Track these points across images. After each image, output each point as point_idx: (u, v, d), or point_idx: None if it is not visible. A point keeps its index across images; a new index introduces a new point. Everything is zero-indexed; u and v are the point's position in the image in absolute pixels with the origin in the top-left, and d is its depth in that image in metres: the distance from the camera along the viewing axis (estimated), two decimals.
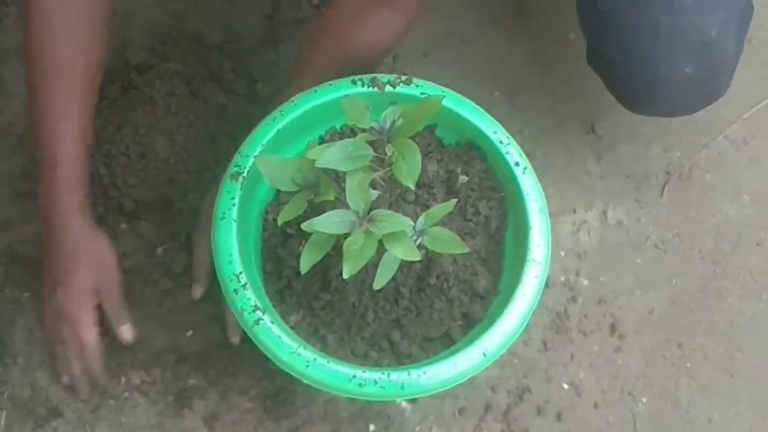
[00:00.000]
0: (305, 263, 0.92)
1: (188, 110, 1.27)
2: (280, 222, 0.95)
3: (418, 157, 0.87)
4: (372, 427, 1.16)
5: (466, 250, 0.93)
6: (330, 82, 1.08)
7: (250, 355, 1.15)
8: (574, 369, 1.22)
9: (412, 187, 0.87)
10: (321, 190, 0.93)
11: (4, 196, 1.26)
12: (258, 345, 0.97)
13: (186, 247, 1.21)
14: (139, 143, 1.23)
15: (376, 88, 1.07)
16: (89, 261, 1.10)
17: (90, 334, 1.10)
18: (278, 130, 1.06)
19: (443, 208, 0.94)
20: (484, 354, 0.98)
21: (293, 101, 1.07)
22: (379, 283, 0.92)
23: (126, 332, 1.13)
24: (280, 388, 1.16)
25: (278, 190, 1.06)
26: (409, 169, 0.86)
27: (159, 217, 1.24)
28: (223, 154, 1.19)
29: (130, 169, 1.23)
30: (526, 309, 1.00)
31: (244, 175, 1.03)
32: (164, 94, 1.28)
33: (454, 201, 0.95)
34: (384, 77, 1.08)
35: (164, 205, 1.24)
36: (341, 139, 1.08)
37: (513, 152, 1.07)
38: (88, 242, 1.11)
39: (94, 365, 1.12)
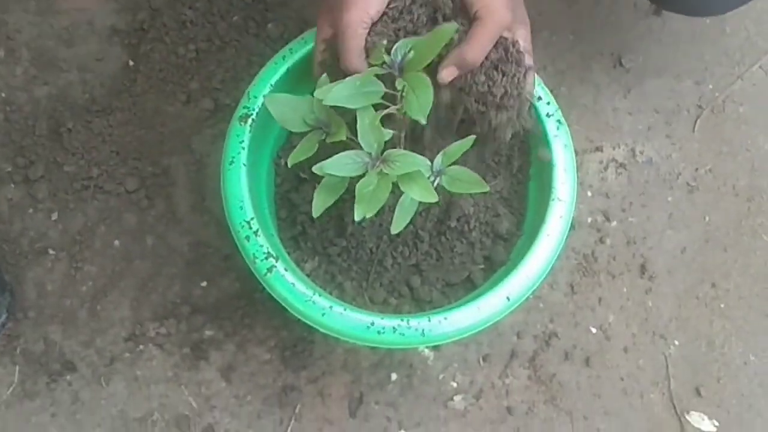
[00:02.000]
0: (317, 207, 0.87)
1: None
2: (290, 164, 0.90)
3: (430, 90, 0.82)
4: (394, 376, 1.13)
5: (487, 189, 0.88)
6: None
7: (266, 305, 1.13)
8: (602, 312, 1.18)
9: (423, 122, 0.82)
10: (332, 129, 0.89)
11: None
12: (272, 293, 0.94)
13: None
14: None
15: None
16: None
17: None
18: (288, 69, 1.01)
19: (461, 145, 0.89)
20: (507, 298, 0.94)
21: (302, 38, 1.02)
22: (396, 228, 0.88)
23: None
24: (298, 338, 1.13)
25: (290, 133, 1.02)
26: (420, 103, 0.82)
27: None
28: None
29: None
30: (551, 250, 0.96)
31: (254, 117, 0.99)
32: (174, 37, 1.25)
33: (472, 138, 0.90)
34: None
35: None
36: None
37: (536, 88, 1.02)
38: None
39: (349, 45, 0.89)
